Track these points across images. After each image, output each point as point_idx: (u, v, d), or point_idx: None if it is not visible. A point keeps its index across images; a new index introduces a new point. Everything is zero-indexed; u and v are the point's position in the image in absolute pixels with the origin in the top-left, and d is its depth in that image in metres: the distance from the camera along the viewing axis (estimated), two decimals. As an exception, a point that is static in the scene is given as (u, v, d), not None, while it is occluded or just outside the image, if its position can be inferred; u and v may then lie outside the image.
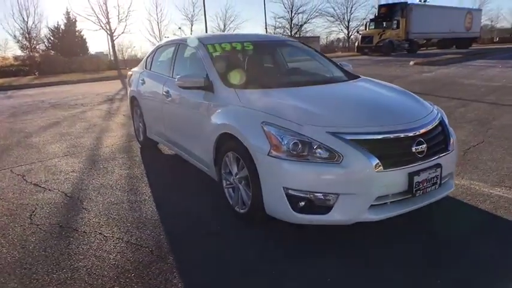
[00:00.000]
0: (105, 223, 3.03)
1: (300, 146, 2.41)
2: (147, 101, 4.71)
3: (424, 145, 2.52)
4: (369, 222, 2.45)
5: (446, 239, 2.61)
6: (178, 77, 3.36)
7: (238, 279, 2.26)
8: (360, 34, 31.41)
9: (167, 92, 3.98)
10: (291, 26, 42.35)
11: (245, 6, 79.63)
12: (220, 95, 3.13)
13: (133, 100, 5.22)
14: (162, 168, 4.45)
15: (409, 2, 30.70)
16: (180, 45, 4.21)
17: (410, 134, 2.52)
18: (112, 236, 2.81)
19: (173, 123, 3.99)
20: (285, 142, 2.43)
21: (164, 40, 5.14)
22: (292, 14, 43.55)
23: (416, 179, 2.44)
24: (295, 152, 2.40)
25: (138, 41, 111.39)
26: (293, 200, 2.42)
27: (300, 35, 41.48)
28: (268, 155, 2.46)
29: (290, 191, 2.41)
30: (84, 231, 2.90)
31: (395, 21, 29.52)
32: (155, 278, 2.28)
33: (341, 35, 44.54)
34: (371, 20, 31.90)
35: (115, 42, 24.17)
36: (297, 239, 2.67)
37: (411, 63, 18.50)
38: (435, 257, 2.39)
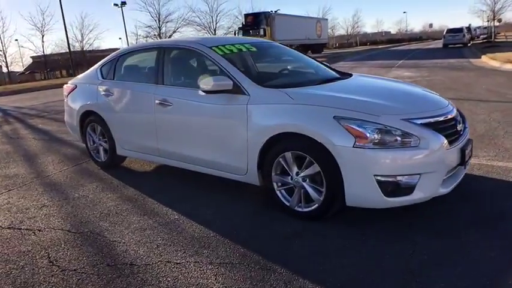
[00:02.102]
0: (160, 251, 2.64)
1: (382, 135, 2.56)
2: (120, 114, 4.17)
3: (461, 124, 2.96)
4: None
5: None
6: (203, 81, 3.13)
7: (372, 266, 2.29)
8: (231, 42, 32.59)
9: (164, 100, 3.63)
10: (159, 35, 41.35)
11: (105, 15, 74.44)
12: (259, 96, 3.04)
13: (88, 115, 4.55)
14: (155, 184, 4.01)
15: (271, 12, 33.33)
16: (165, 50, 3.87)
17: (452, 116, 2.92)
18: (186, 261, 2.48)
19: (177, 134, 3.64)
20: (369, 132, 2.55)
21: (130, 46, 4.62)
22: (161, 23, 42.66)
23: (466, 152, 2.85)
24: (381, 141, 2.55)
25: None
26: (383, 186, 2.55)
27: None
28: (353, 147, 2.54)
29: (379, 178, 2.54)
30: (145, 264, 2.48)
31: (262, 29, 31.67)
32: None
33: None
34: (239, 29, 33.55)
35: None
36: (374, 225, 2.80)
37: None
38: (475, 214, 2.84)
